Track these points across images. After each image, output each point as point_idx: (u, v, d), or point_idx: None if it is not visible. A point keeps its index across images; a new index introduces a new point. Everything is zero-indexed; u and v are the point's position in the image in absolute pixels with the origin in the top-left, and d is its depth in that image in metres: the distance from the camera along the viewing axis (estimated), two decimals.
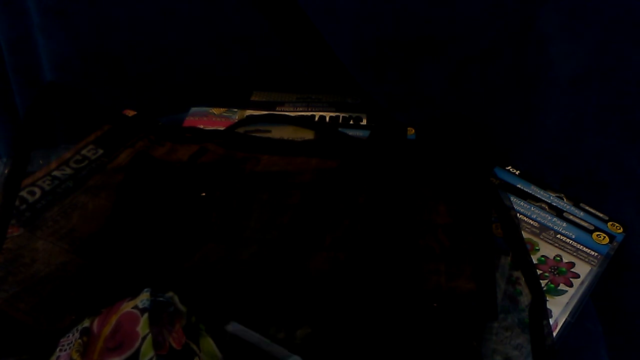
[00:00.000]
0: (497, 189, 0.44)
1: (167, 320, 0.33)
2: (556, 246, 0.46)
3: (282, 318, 0.36)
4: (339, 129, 0.53)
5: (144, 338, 0.31)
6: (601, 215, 0.49)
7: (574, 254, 0.45)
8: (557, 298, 0.42)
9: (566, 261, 0.45)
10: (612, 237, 0.47)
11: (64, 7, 0.54)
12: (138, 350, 0.30)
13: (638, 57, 0.47)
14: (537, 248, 0.46)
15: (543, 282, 0.43)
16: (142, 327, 0.31)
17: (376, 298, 0.37)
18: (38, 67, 0.57)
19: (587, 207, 0.49)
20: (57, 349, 0.33)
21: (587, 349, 0.43)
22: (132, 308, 0.32)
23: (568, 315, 0.41)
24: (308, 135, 0.53)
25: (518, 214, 0.48)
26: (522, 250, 0.40)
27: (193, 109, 0.59)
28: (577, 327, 0.42)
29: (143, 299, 0.32)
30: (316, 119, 0.57)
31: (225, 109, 0.58)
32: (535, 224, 0.47)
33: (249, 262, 0.40)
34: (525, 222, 0.47)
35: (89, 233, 0.42)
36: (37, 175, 0.46)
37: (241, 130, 0.53)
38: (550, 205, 0.49)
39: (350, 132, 0.53)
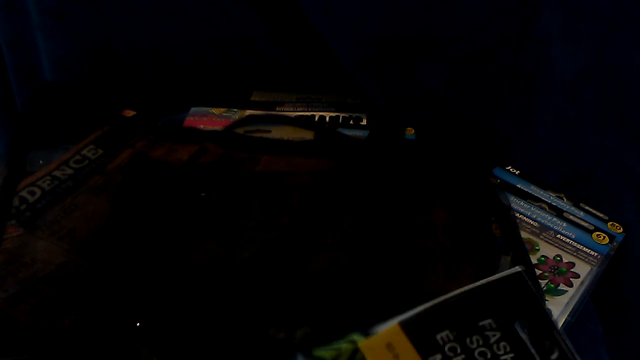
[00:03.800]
0: (496, 189, 0.44)
1: None
2: (556, 246, 0.46)
3: (282, 318, 0.36)
4: (339, 129, 0.53)
5: None
6: (601, 215, 0.49)
7: (574, 254, 0.45)
8: (557, 298, 0.42)
9: (566, 261, 0.45)
10: (612, 237, 0.47)
11: (64, 7, 0.54)
12: None
13: (638, 57, 0.47)
14: (537, 248, 0.46)
15: (543, 282, 0.43)
16: None
17: (376, 298, 0.37)
18: (38, 67, 0.57)
19: (587, 207, 0.49)
20: None
21: (587, 349, 0.43)
22: None
23: (568, 315, 0.41)
24: (308, 135, 0.53)
25: (518, 214, 0.48)
26: (521, 250, 0.40)
27: (193, 109, 0.59)
28: (577, 327, 0.42)
29: None
30: (316, 119, 0.57)
31: (225, 109, 0.58)
32: (535, 224, 0.47)
33: (249, 262, 0.40)
34: (525, 222, 0.47)
35: (89, 233, 0.42)
36: (37, 175, 0.46)
37: (240, 130, 0.53)
38: (550, 205, 0.49)
39: (350, 132, 0.53)
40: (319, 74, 0.60)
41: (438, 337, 0.30)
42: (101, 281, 0.39)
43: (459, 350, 0.29)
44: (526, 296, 0.30)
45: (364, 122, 0.57)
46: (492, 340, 0.30)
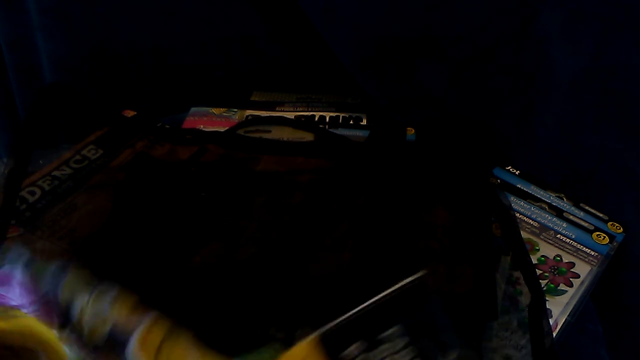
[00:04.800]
0: (496, 189, 0.44)
1: None
2: (556, 246, 0.46)
3: (282, 318, 0.36)
4: (339, 129, 0.53)
5: None
6: (601, 215, 0.49)
7: (574, 254, 0.45)
8: (557, 298, 0.42)
9: (566, 261, 0.45)
10: (612, 237, 0.47)
11: (64, 7, 0.54)
12: None
13: (638, 57, 0.47)
14: (537, 248, 0.46)
15: (543, 282, 0.43)
16: None
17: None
18: (38, 67, 0.57)
19: (587, 207, 0.49)
20: None
21: (587, 349, 0.43)
22: None
23: (568, 315, 0.42)
24: (308, 135, 0.53)
25: (518, 214, 0.48)
26: (521, 250, 0.40)
27: (193, 109, 0.59)
28: (577, 327, 0.42)
29: None
30: (316, 119, 0.57)
31: (225, 109, 0.58)
32: (535, 224, 0.47)
33: (249, 263, 0.40)
34: (525, 222, 0.47)
35: (89, 233, 0.42)
36: (37, 175, 0.46)
37: (241, 131, 0.53)
38: (550, 205, 0.49)
39: (350, 132, 0.53)
40: (319, 74, 0.60)
41: (351, 349, 0.31)
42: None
43: None
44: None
45: (364, 122, 0.57)
46: (400, 346, 0.31)
